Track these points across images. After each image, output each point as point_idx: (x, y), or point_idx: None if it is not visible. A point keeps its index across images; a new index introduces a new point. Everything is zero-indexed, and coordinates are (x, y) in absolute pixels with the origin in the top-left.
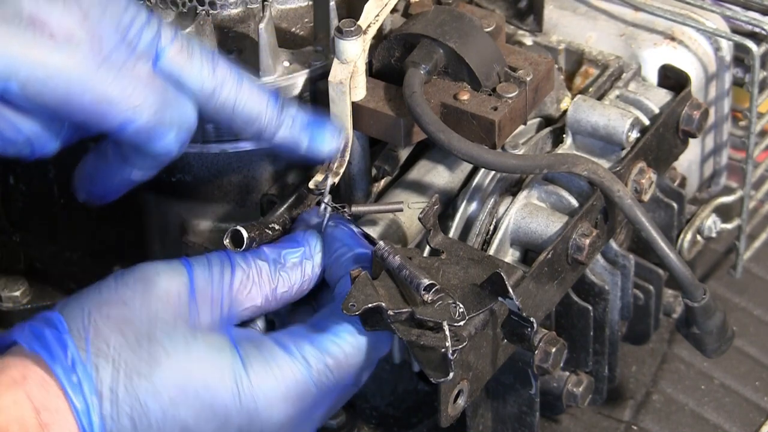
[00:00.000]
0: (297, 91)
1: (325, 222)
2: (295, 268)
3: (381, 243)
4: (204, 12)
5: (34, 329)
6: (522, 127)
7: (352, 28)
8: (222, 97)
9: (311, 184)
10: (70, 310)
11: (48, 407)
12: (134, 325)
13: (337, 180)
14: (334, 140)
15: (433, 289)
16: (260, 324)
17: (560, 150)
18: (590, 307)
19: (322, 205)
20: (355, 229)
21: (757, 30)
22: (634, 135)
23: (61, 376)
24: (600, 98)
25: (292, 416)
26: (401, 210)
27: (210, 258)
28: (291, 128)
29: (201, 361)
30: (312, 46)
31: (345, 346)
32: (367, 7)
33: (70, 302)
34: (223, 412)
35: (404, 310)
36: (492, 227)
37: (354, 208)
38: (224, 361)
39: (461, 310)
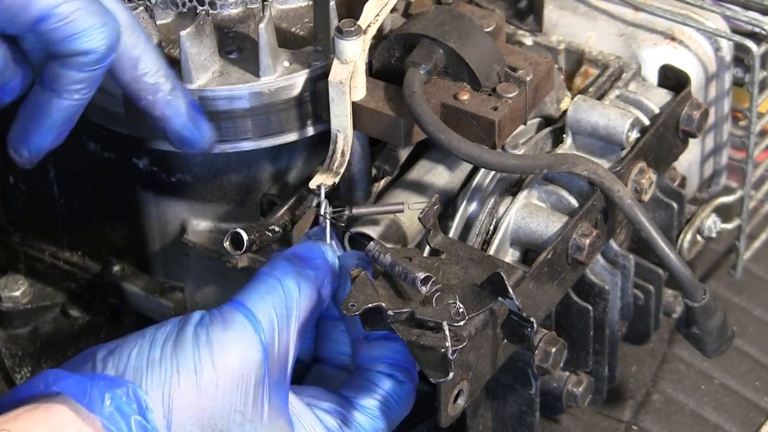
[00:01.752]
0: (297, 91)
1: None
2: (328, 287)
3: (371, 243)
4: (204, 12)
5: (119, 409)
6: (522, 127)
7: (352, 28)
8: (134, 35)
9: (311, 185)
10: (151, 388)
11: None
12: (213, 417)
13: (337, 180)
14: (205, 136)
15: (430, 282)
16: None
17: (560, 150)
18: (590, 307)
19: (321, 213)
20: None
21: (757, 30)
22: (634, 135)
23: None
24: (600, 98)
25: None
26: (401, 211)
27: (276, 306)
28: (174, 101)
29: None
30: (312, 46)
31: (387, 426)
32: (367, 7)
33: (144, 368)
34: None
35: (404, 310)
36: (492, 227)
37: (355, 210)
38: None
39: (461, 309)
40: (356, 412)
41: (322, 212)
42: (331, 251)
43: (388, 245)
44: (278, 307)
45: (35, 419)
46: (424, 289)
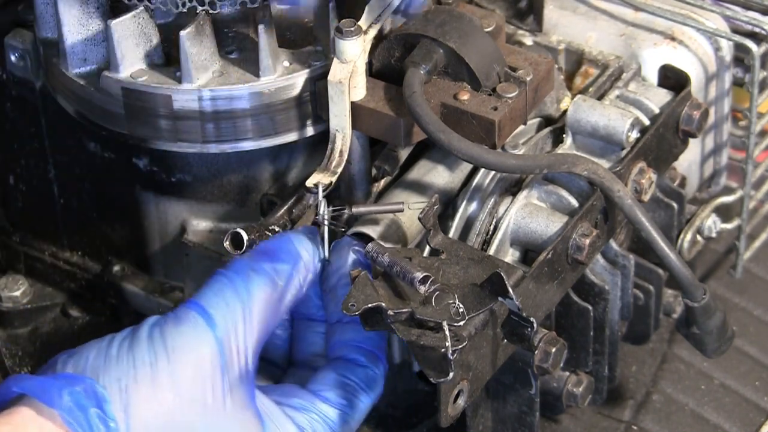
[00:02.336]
0: (297, 91)
1: (325, 224)
2: (298, 278)
3: (370, 244)
4: (204, 12)
5: (77, 402)
6: (522, 127)
7: (352, 28)
8: None
9: (309, 183)
10: (108, 383)
11: None
12: (171, 409)
13: (335, 179)
14: None
15: (428, 281)
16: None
17: (560, 150)
18: (590, 307)
19: (320, 213)
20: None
21: (757, 30)
22: (634, 135)
23: None
24: (600, 98)
25: None
26: (401, 210)
27: (228, 301)
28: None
29: None
30: (312, 46)
31: (351, 420)
32: (368, 7)
33: (102, 366)
34: None
35: (404, 310)
36: (492, 227)
37: (354, 209)
38: None
39: (461, 309)
40: (324, 405)
41: (320, 211)
42: (306, 241)
43: (388, 245)
44: (231, 302)
45: None
46: (422, 289)
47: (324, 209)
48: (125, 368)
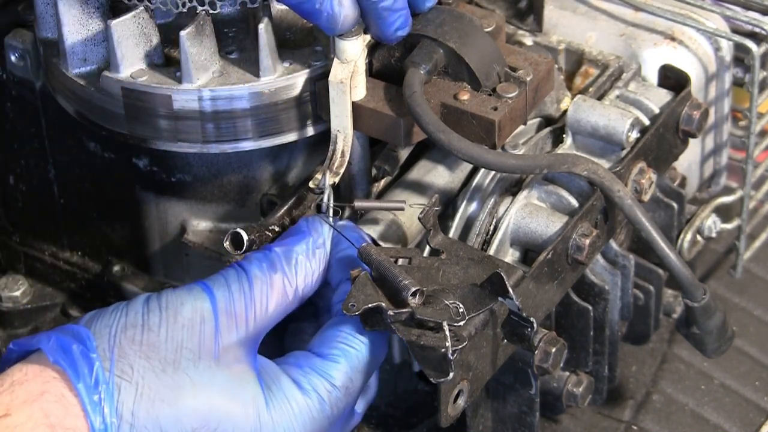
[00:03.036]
0: (297, 91)
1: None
2: (309, 258)
3: (363, 246)
4: (204, 12)
5: (61, 341)
6: (522, 127)
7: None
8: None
9: (311, 184)
10: (98, 329)
11: (64, 425)
12: (160, 351)
13: (336, 180)
14: None
15: (418, 294)
16: None
17: (560, 150)
18: (590, 307)
19: (323, 203)
20: (363, 234)
21: (757, 30)
22: (634, 135)
23: (83, 394)
24: (600, 98)
25: None
26: (403, 209)
27: (227, 276)
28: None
29: (225, 393)
30: (312, 46)
31: (351, 373)
32: None
33: (97, 319)
34: None
35: (404, 310)
36: (492, 227)
37: (357, 203)
38: (248, 393)
39: (461, 310)
40: (321, 360)
41: (325, 200)
42: (317, 223)
43: (388, 245)
44: (230, 278)
45: None
46: (413, 302)
47: (329, 197)
48: (117, 318)
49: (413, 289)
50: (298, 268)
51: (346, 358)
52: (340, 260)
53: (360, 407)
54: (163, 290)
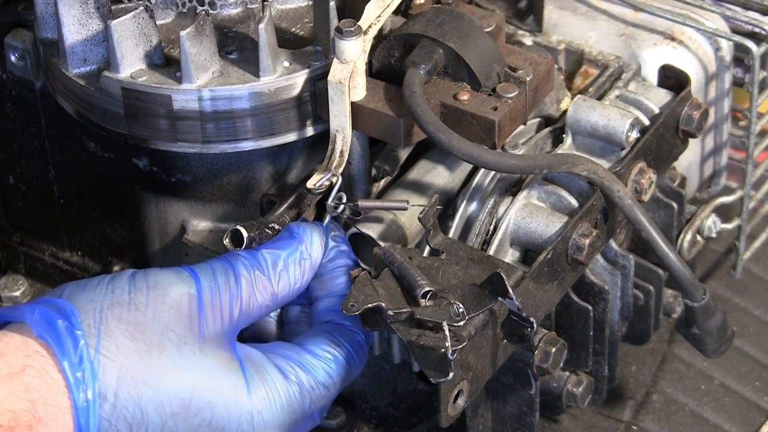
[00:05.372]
0: (297, 91)
1: (327, 219)
2: (294, 266)
3: (385, 247)
4: (204, 12)
5: (45, 314)
6: (522, 127)
7: (352, 28)
8: None
9: (310, 184)
10: (83, 304)
11: (46, 401)
12: (146, 332)
13: (335, 179)
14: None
15: (429, 296)
16: (273, 314)
17: (560, 150)
18: (590, 307)
19: (329, 202)
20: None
21: (757, 30)
22: (634, 135)
23: (68, 370)
24: (600, 98)
25: None
26: (406, 208)
27: (214, 268)
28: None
29: (208, 379)
30: (312, 46)
31: (337, 378)
32: (368, 7)
33: (81, 293)
34: None
35: (404, 310)
36: (492, 227)
37: (361, 203)
38: (230, 381)
39: (461, 310)
40: (308, 355)
41: (330, 200)
42: (308, 230)
43: (397, 247)
44: (217, 269)
45: None
46: (423, 303)
47: (337, 191)
48: (102, 293)
49: (425, 290)
50: (282, 275)
51: (334, 359)
52: (325, 281)
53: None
54: (149, 269)
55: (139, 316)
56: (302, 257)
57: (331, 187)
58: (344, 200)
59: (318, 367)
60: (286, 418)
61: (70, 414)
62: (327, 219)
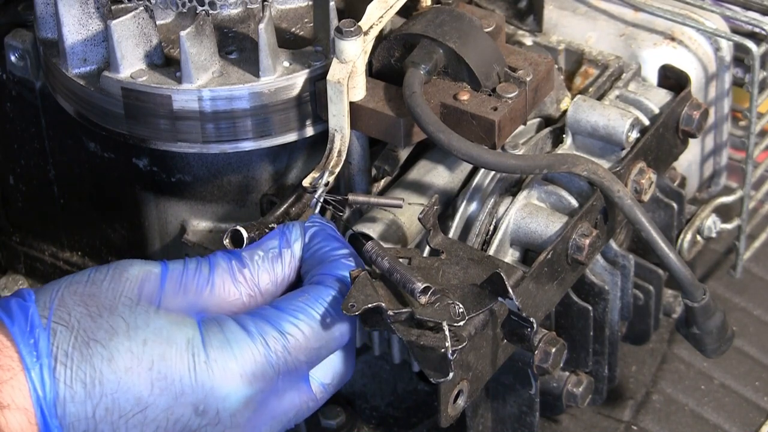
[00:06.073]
0: (297, 91)
1: (314, 209)
2: (275, 259)
3: (369, 244)
4: (204, 12)
5: (2, 301)
6: (522, 127)
7: (352, 29)
8: None
9: (305, 182)
10: (43, 289)
11: (1, 366)
12: (98, 299)
13: (332, 178)
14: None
15: (430, 292)
16: None
17: (560, 150)
18: (590, 307)
19: (315, 198)
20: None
21: (757, 30)
22: (634, 135)
23: (18, 336)
24: (600, 98)
25: (249, 398)
26: (400, 206)
27: (188, 259)
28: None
29: (160, 334)
30: (312, 46)
31: (304, 328)
32: (369, 8)
33: (47, 285)
34: (178, 386)
35: (404, 310)
36: (492, 227)
37: (351, 197)
38: (183, 335)
39: (461, 310)
40: (274, 310)
41: (317, 196)
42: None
43: (388, 245)
44: (190, 262)
45: None
46: (423, 300)
47: (320, 195)
48: (63, 280)
49: (422, 287)
50: (262, 265)
51: (303, 313)
52: (314, 254)
53: (318, 386)
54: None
55: (93, 289)
56: (282, 248)
57: (326, 185)
58: (323, 196)
59: (281, 318)
60: (249, 368)
61: (24, 376)
62: (312, 213)
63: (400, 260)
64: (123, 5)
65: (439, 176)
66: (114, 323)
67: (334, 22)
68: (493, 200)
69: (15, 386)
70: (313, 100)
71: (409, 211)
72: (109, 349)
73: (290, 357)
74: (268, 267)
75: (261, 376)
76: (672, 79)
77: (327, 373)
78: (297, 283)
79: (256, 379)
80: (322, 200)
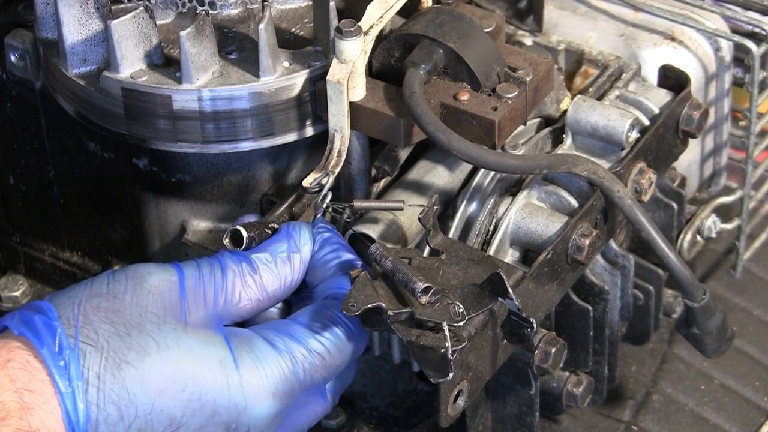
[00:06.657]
0: (297, 91)
1: (318, 214)
2: (284, 263)
3: (373, 246)
4: (204, 12)
5: (24, 316)
6: (522, 127)
7: (352, 29)
8: None
9: (305, 183)
10: (61, 301)
11: (31, 389)
12: (124, 316)
13: (332, 179)
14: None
15: (430, 292)
16: (275, 310)
17: (560, 150)
18: (590, 307)
19: (319, 202)
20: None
21: (757, 30)
22: (634, 135)
23: (48, 359)
24: (600, 98)
25: (278, 413)
26: (402, 209)
27: (199, 261)
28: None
29: (191, 354)
30: (312, 46)
31: (329, 346)
32: (369, 8)
33: (61, 294)
34: (211, 406)
35: (404, 310)
36: (492, 227)
37: (356, 204)
38: (215, 355)
39: (461, 310)
40: (298, 326)
41: (319, 201)
42: (300, 231)
43: (388, 245)
44: (203, 265)
45: None
46: (424, 299)
47: (323, 199)
48: (80, 290)
49: (423, 286)
50: (271, 269)
51: (328, 330)
52: (324, 264)
53: (330, 395)
54: (133, 264)
55: (117, 303)
56: (291, 252)
57: (325, 186)
58: (330, 198)
59: (308, 335)
60: (279, 386)
61: (56, 401)
62: (317, 216)
63: (402, 260)
64: (123, 5)
65: (439, 176)
66: (144, 343)
67: (334, 22)
68: (493, 200)
69: (47, 410)
70: (313, 100)
71: (409, 212)
72: (141, 371)
73: (316, 374)
74: (276, 271)
75: (289, 393)
76: (672, 79)
77: (338, 380)
78: (302, 287)
79: (285, 396)
80: (330, 208)
